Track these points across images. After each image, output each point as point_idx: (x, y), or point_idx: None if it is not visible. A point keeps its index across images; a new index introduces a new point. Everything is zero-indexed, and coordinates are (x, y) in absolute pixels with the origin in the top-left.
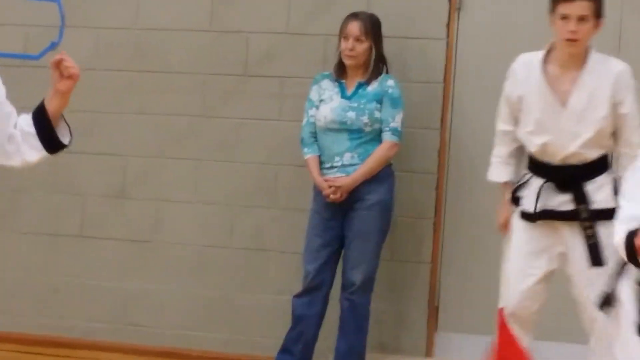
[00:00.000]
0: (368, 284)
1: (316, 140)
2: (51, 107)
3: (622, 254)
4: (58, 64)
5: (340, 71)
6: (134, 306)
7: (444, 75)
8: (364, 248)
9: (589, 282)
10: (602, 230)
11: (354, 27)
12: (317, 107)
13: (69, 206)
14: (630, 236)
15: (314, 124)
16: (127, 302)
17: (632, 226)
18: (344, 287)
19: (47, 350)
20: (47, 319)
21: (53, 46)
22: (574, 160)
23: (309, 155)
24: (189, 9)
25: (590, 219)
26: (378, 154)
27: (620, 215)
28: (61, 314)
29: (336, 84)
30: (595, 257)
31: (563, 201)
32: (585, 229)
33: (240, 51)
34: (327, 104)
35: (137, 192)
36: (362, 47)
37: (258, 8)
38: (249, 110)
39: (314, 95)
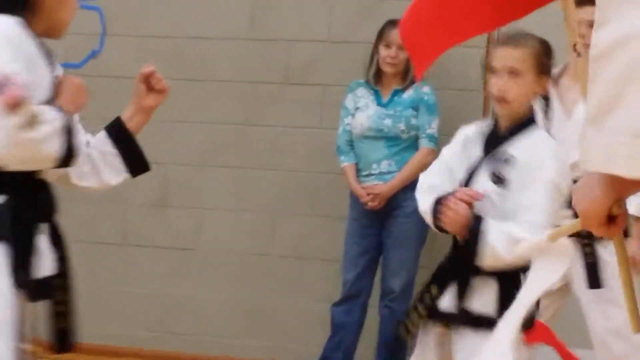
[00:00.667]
0: (407, 291)
1: (353, 148)
2: (133, 125)
3: (429, 220)
4: (147, 77)
5: (377, 78)
6: (176, 314)
7: (483, 82)
8: (403, 255)
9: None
10: (601, 249)
11: (397, 35)
12: (353, 115)
13: (111, 215)
14: (438, 202)
15: (350, 132)
16: (170, 310)
17: (436, 194)
18: (383, 295)
19: (89, 357)
20: (89, 327)
21: (94, 54)
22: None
23: (346, 163)
24: (230, 17)
25: (590, 236)
26: (415, 161)
27: (421, 187)
28: (104, 322)
29: (371, 91)
30: (593, 278)
31: (567, 216)
32: (584, 246)
33: (282, 59)
34: (363, 111)
35: (179, 200)
36: (404, 54)
37: (299, 16)
38: (290, 118)
39: (349, 103)
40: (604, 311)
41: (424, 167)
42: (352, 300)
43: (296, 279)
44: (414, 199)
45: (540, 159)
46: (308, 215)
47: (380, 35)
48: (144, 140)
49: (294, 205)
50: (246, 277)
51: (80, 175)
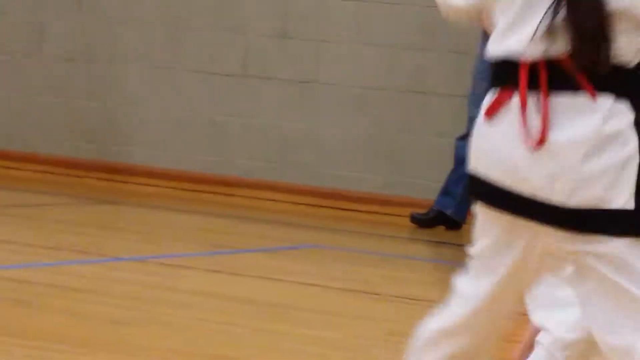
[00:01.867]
0: None
1: None
2: None
3: None
4: None
5: None
6: (294, 146)
7: None
8: None
9: None
10: None
11: None
12: None
13: (231, 45)
14: None
15: None
16: (287, 142)
17: None
18: None
19: (207, 187)
20: (208, 157)
21: None
22: None
23: None
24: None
25: None
26: None
27: None
28: (222, 153)
29: None
30: None
31: None
32: None
33: None
34: None
35: (299, 32)
36: None
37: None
38: None
39: None
40: None
41: None
42: None
43: (416, 113)
44: None
45: None
46: (428, 50)
47: None
48: None
49: (413, 38)
50: (365, 110)
51: None
